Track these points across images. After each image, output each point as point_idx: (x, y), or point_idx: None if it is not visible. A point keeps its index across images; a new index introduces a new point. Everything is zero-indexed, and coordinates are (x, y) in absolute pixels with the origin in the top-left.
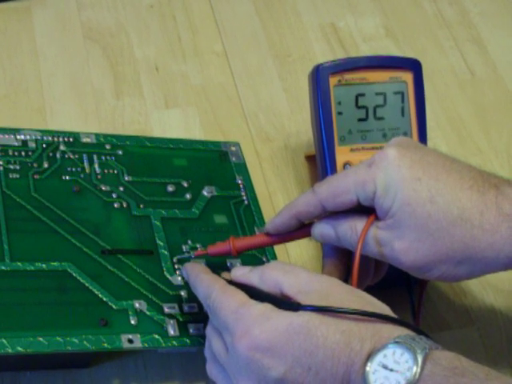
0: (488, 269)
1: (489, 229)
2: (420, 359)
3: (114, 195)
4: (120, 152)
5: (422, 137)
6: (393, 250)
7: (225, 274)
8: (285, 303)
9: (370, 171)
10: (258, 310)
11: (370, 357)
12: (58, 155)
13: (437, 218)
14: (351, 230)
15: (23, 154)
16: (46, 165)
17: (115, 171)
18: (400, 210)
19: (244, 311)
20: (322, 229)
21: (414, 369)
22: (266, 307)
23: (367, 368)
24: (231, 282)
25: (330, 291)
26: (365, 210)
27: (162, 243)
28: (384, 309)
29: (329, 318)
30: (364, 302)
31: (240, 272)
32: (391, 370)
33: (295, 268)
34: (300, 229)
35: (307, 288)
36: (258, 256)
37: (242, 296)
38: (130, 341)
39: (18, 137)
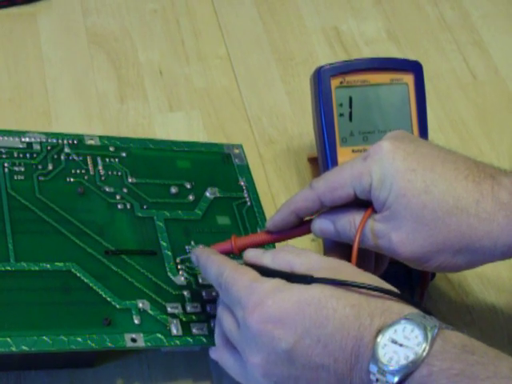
0: (486, 258)
1: (485, 217)
2: (430, 336)
3: (118, 197)
4: (124, 154)
5: (424, 138)
6: (390, 241)
7: None
8: (298, 277)
9: (366, 164)
10: (271, 284)
11: (379, 331)
12: (62, 157)
13: (432, 208)
14: (350, 224)
15: (28, 156)
16: (50, 167)
17: (119, 173)
18: (396, 201)
19: (257, 285)
20: (321, 224)
21: (424, 345)
22: (279, 282)
23: (377, 342)
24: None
25: (340, 270)
26: (363, 204)
27: (165, 244)
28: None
29: (340, 292)
30: (375, 282)
31: (252, 253)
32: (401, 345)
33: (307, 251)
34: (300, 225)
35: (318, 266)
36: None
37: (254, 273)
38: (134, 340)
39: (23, 139)
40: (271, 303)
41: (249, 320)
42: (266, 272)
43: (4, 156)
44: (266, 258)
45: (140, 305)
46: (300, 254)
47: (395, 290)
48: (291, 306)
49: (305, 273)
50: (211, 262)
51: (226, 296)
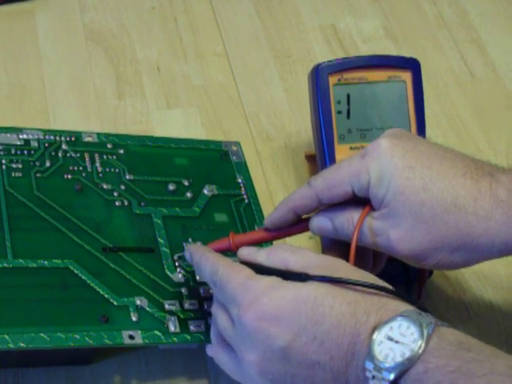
0: (484, 256)
1: (483, 215)
2: (426, 333)
3: (116, 194)
4: (121, 151)
5: (421, 136)
6: (388, 239)
7: None
8: (293, 275)
9: (364, 162)
10: (267, 282)
11: (375, 329)
12: (60, 154)
13: (430, 205)
14: (348, 221)
15: (26, 152)
16: (48, 164)
17: (117, 170)
18: (394, 198)
19: (252, 283)
20: (319, 221)
21: (420, 342)
22: (274, 279)
23: (372, 339)
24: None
25: (336, 268)
26: (361, 202)
27: (162, 241)
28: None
29: (336, 289)
30: (370, 280)
31: (246, 251)
32: (396, 342)
33: (303, 249)
34: (298, 223)
35: (313, 264)
36: None
37: (249, 270)
38: (131, 337)
39: (21, 136)
40: (267, 301)
41: (244, 317)
42: (261, 270)
43: (1, 153)
44: (260, 255)
45: (138, 302)
46: (295, 251)
47: (391, 287)
48: (287, 304)
49: (300, 270)
50: (205, 259)
51: (221, 294)
